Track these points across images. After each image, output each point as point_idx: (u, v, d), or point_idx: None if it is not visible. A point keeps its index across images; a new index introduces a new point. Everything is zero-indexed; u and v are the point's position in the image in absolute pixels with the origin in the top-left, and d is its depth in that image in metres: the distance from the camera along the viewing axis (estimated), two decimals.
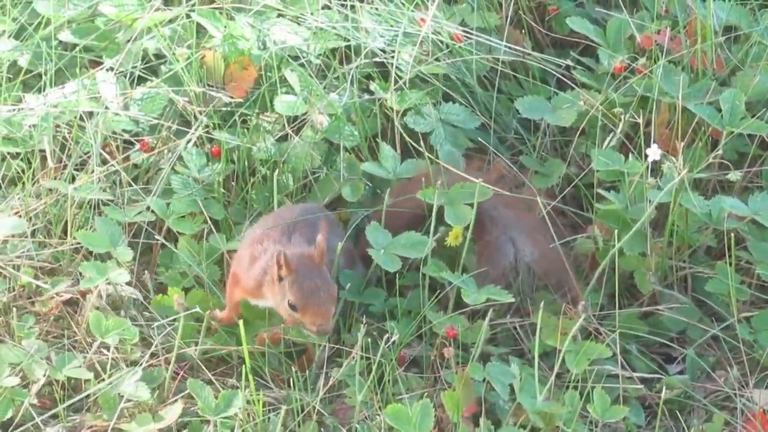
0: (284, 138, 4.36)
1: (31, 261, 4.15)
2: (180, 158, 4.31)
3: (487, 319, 3.88)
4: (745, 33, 4.53)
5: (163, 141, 4.35)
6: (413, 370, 4.00)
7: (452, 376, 3.84)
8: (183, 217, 4.21)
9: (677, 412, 3.95)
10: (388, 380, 3.84)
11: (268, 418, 3.79)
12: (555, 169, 4.40)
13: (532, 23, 4.71)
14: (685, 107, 4.29)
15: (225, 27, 4.48)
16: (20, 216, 4.19)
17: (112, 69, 4.45)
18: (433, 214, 4.02)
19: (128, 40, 4.50)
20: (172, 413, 3.78)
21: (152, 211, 4.20)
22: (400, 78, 4.40)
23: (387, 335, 3.84)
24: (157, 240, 4.19)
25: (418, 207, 4.17)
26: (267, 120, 4.41)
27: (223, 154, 4.30)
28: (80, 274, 4.02)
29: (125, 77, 4.46)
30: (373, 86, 4.43)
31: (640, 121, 4.26)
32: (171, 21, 4.53)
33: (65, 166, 4.31)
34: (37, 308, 4.07)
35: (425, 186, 4.12)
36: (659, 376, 4.01)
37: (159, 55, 4.52)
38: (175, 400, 3.83)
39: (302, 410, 3.81)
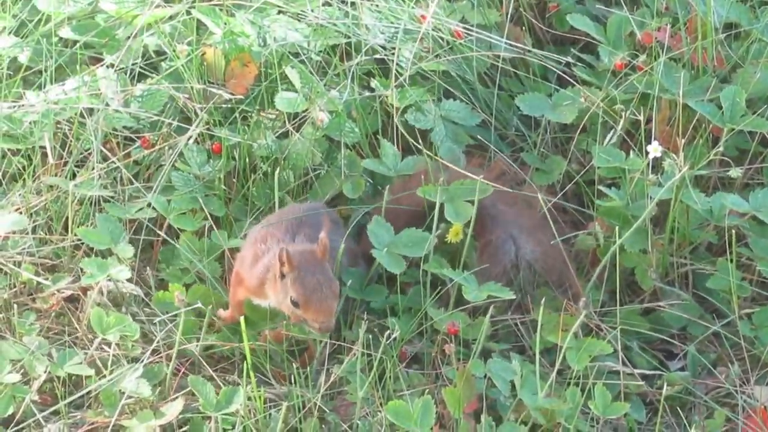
0: (285, 135, 4.36)
1: (32, 258, 4.15)
2: (181, 155, 4.31)
3: (488, 315, 3.88)
4: (746, 30, 4.53)
5: (163, 138, 4.35)
6: (414, 366, 4.00)
7: (453, 372, 3.84)
8: (184, 213, 4.21)
9: (678, 408, 3.95)
10: (390, 377, 3.84)
11: (270, 414, 3.79)
12: (556, 166, 4.40)
13: (533, 20, 4.70)
14: (685, 104, 4.30)
15: (225, 24, 4.48)
16: (21, 212, 4.18)
17: (112, 66, 4.44)
18: (435, 211, 4.02)
19: (128, 37, 4.49)
20: (173, 410, 3.78)
21: (153, 208, 4.20)
22: (401, 75, 4.40)
23: (388, 332, 3.84)
24: (159, 237, 4.19)
25: (418, 204, 4.17)
26: (268, 117, 4.41)
27: (224, 151, 4.30)
28: (81, 270, 4.02)
29: (126, 74, 4.45)
30: (373, 83, 4.43)
31: (641, 118, 4.26)
32: (171, 18, 4.53)
33: (66, 163, 4.30)
34: (38, 305, 4.07)
35: (425, 183, 4.12)
36: (660, 372, 4.02)
37: (159, 52, 4.51)
38: (176, 397, 3.83)
39: (303, 407, 3.81)
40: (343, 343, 3.94)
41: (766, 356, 4.00)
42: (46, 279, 4.09)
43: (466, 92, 4.51)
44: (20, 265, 4.10)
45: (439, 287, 4.02)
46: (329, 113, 4.33)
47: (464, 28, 4.55)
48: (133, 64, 4.47)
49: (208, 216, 4.19)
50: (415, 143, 4.30)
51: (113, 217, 4.14)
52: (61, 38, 4.53)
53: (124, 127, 4.38)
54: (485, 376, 3.84)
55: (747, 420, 3.89)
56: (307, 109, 4.35)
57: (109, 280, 4.00)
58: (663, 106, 4.37)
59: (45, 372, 3.81)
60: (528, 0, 4.71)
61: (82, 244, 4.15)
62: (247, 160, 4.33)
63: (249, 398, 3.76)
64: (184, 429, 3.81)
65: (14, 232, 4.15)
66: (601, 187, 4.17)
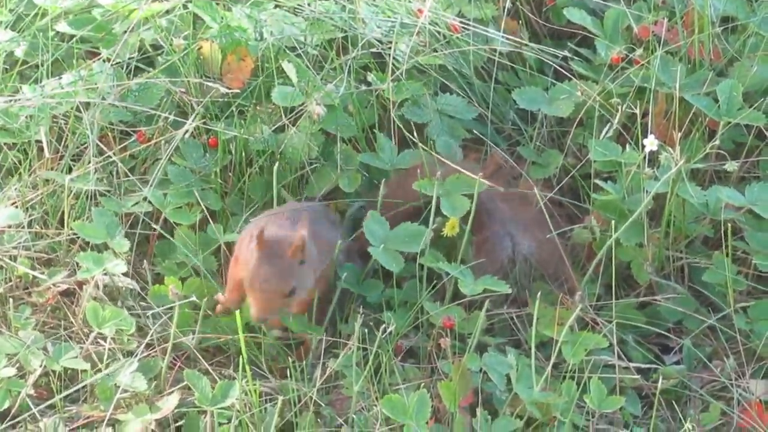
0: (281, 129, 4.36)
1: (28, 251, 4.15)
2: (177, 149, 4.30)
3: (484, 309, 3.88)
4: (743, 23, 4.53)
5: (160, 132, 4.35)
6: (410, 360, 4.00)
7: (449, 366, 3.84)
8: (180, 207, 4.21)
9: (674, 402, 3.95)
10: (385, 371, 3.84)
11: (265, 408, 3.79)
12: (552, 159, 4.40)
13: (530, 14, 4.70)
14: (682, 98, 4.29)
15: (222, 18, 4.48)
16: (17, 206, 4.19)
17: (108, 60, 4.44)
18: (432, 205, 4.02)
19: (125, 31, 4.49)
20: (168, 404, 3.78)
21: (149, 202, 4.20)
22: (398, 69, 4.40)
23: (384, 326, 3.84)
24: (155, 230, 4.19)
25: (413, 199, 4.16)
26: (264, 111, 4.40)
27: (220, 145, 4.30)
28: (77, 264, 4.02)
29: (122, 68, 4.45)
30: (370, 77, 4.43)
31: (638, 111, 4.25)
32: (168, 12, 4.53)
33: (62, 157, 4.30)
34: (34, 299, 4.07)
35: (421, 177, 4.11)
36: (656, 366, 4.02)
37: (156, 46, 4.52)
38: (172, 391, 3.83)
39: (299, 401, 3.81)
40: (338, 339, 3.94)
41: (761, 350, 4.00)
42: (42, 273, 4.09)
43: (463, 86, 4.51)
44: (16, 259, 4.11)
45: (435, 281, 4.02)
46: (326, 107, 4.32)
47: (461, 22, 4.55)
48: (129, 59, 4.47)
49: (204, 210, 4.19)
50: (411, 137, 4.30)
51: (109, 211, 4.14)
52: (57, 32, 4.53)
53: (121, 121, 4.38)
54: (481, 370, 3.84)
55: (742, 413, 3.89)
56: (303, 103, 4.35)
57: (105, 274, 4.00)
58: (659, 99, 4.37)
59: (41, 366, 3.81)
60: None
61: (78, 238, 4.15)
62: (244, 154, 4.33)
63: (245, 392, 3.76)
64: (179, 423, 3.81)
65: (10, 226, 4.15)
66: (597, 181, 4.16)
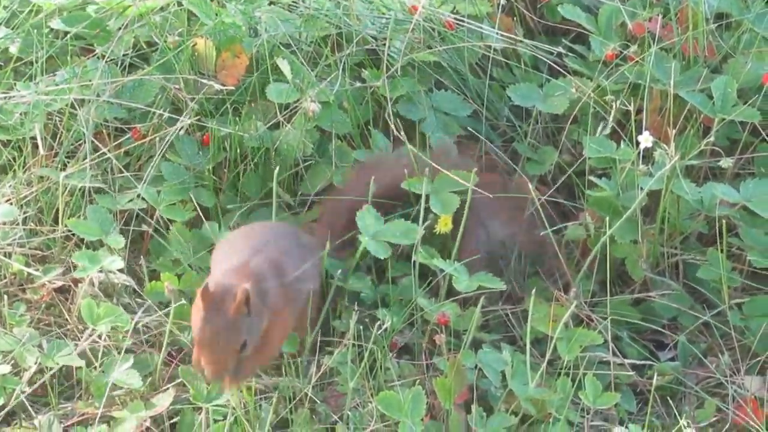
0: (276, 126, 4.36)
1: (23, 248, 4.14)
2: (171, 146, 4.30)
3: (479, 306, 3.88)
4: (737, 20, 4.53)
5: (154, 129, 4.34)
6: (405, 357, 4.00)
7: (444, 362, 3.84)
8: (174, 204, 4.20)
9: (668, 398, 3.95)
10: (380, 367, 3.84)
11: (260, 405, 3.79)
12: (547, 156, 4.40)
13: (524, 11, 4.70)
14: (676, 94, 4.29)
15: (216, 14, 4.47)
16: (11, 203, 4.18)
17: (103, 57, 4.43)
18: (421, 203, 4.02)
19: (119, 28, 4.48)
20: (163, 400, 3.78)
21: (143, 199, 4.20)
22: (392, 66, 4.40)
23: (378, 322, 3.84)
24: (149, 227, 4.19)
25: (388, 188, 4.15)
26: (259, 108, 4.40)
27: (215, 142, 4.30)
28: (73, 264, 4.01)
29: (117, 65, 4.44)
30: (364, 74, 4.42)
31: (632, 108, 4.25)
32: (162, 8, 4.51)
33: (56, 154, 4.30)
34: (29, 296, 4.07)
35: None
36: (651, 362, 4.02)
37: (150, 43, 4.50)
38: (167, 388, 3.83)
39: (294, 397, 3.81)
40: (332, 337, 3.94)
41: (756, 346, 4.01)
42: (37, 270, 4.09)
43: (458, 83, 4.50)
44: (10, 256, 4.10)
45: (430, 278, 4.02)
46: (320, 104, 4.32)
47: (455, 18, 4.54)
48: (124, 55, 4.46)
49: (197, 207, 4.18)
50: (404, 133, 4.29)
51: (104, 208, 4.14)
52: (51, 29, 4.51)
53: (115, 118, 4.38)
54: (476, 367, 3.84)
55: (737, 410, 3.89)
56: (298, 100, 4.34)
57: (101, 271, 3.99)
58: (654, 96, 4.37)
59: (35, 363, 3.81)
60: None
61: (73, 235, 4.14)
62: (238, 150, 4.33)
63: (240, 389, 3.76)
64: (174, 420, 3.81)
65: (4, 223, 4.15)
66: (591, 178, 4.17)
